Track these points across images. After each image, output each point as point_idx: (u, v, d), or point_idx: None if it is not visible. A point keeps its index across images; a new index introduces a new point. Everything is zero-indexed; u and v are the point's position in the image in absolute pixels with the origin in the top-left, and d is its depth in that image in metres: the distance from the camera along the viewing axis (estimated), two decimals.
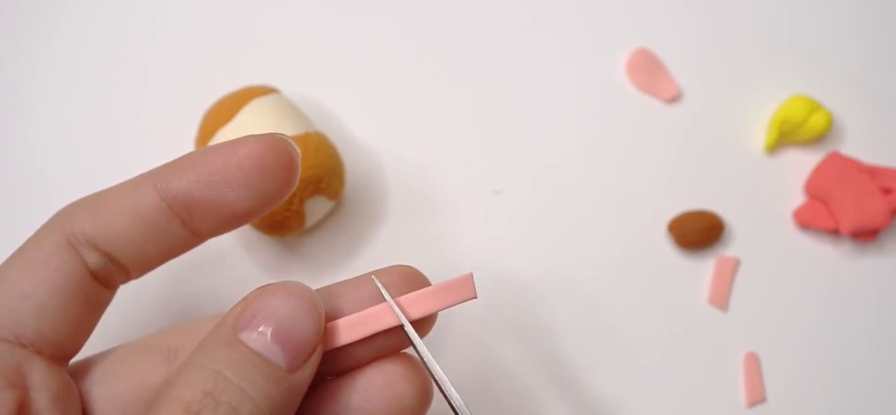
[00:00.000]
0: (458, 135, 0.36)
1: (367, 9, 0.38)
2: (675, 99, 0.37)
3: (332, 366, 0.22)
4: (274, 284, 0.20)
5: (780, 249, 0.35)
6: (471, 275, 0.22)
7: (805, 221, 0.35)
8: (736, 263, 0.35)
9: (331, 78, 0.37)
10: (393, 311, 0.21)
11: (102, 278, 0.22)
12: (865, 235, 0.35)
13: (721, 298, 0.34)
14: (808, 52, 0.38)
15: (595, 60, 0.38)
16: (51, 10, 0.38)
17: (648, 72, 0.37)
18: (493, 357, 0.33)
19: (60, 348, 0.21)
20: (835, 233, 0.35)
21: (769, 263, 0.35)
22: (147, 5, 0.38)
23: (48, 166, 0.35)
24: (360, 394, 0.22)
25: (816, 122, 0.35)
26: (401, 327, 0.21)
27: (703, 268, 0.35)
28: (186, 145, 0.33)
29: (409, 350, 0.22)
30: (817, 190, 0.35)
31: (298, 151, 0.22)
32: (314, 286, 0.21)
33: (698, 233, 0.34)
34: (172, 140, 0.34)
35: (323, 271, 0.34)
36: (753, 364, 0.33)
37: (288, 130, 0.31)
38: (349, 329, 0.21)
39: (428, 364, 0.21)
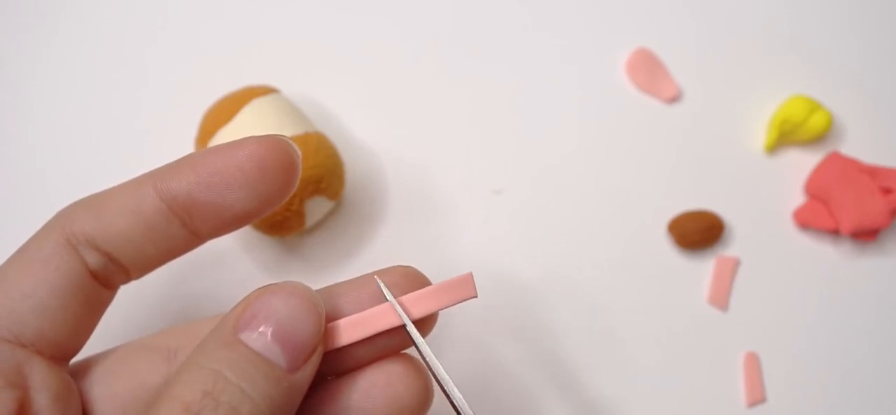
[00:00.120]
0: (458, 135, 0.36)
1: (367, 9, 0.38)
2: (675, 99, 0.37)
3: (332, 366, 0.22)
4: (274, 284, 0.20)
5: (780, 249, 0.35)
6: (471, 274, 0.22)
7: (805, 221, 0.35)
8: (736, 263, 0.35)
9: (331, 78, 0.37)
10: (394, 311, 0.21)
11: (103, 279, 0.22)
12: (865, 235, 0.35)
13: (721, 298, 0.34)
14: (808, 52, 0.38)
15: (595, 60, 0.38)
16: (51, 10, 0.38)
17: (648, 72, 0.37)
18: (493, 357, 0.33)
19: (61, 348, 0.21)
20: (835, 233, 0.35)
21: (769, 263, 0.35)
22: (147, 5, 0.38)
23: (48, 166, 0.35)
24: (360, 394, 0.22)
25: (816, 122, 0.35)
26: (402, 327, 0.21)
27: (703, 268, 0.35)
28: (186, 145, 0.33)
29: (411, 351, 0.22)
30: (817, 190, 0.35)
31: (299, 152, 0.22)
32: (314, 286, 0.21)
33: (698, 233, 0.34)
34: (172, 140, 0.34)
35: (323, 271, 0.34)
36: (753, 364, 0.33)
37: (288, 130, 0.31)
38: (350, 329, 0.21)
39: (430, 364, 0.21)
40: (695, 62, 0.38)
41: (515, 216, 0.35)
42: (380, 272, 0.22)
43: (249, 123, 0.31)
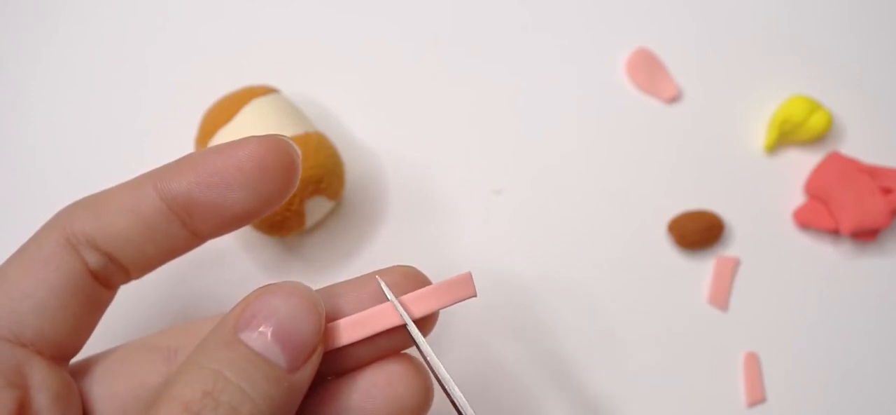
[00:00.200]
0: (458, 135, 0.36)
1: (367, 9, 0.38)
2: (675, 99, 0.37)
3: (332, 366, 0.22)
4: (274, 284, 0.20)
5: (780, 249, 0.35)
6: (469, 274, 0.22)
7: (805, 221, 0.35)
8: (736, 263, 0.35)
9: (331, 78, 0.37)
10: (394, 311, 0.21)
11: (103, 279, 0.22)
12: (865, 235, 0.35)
13: (721, 298, 0.34)
14: (808, 52, 0.38)
15: (595, 60, 0.38)
16: (51, 10, 0.38)
17: (648, 72, 0.37)
18: (493, 357, 0.33)
19: (61, 348, 0.21)
20: (835, 233, 0.35)
21: (769, 263, 0.35)
22: (147, 5, 0.38)
23: (48, 166, 0.35)
24: (360, 394, 0.22)
25: (816, 122, 0.35)
26: (402, 326, 0.21)
27: (703, 268, 0.35)
28: (186, 145, 0.33)
29: (411, 351, 0.22)
30: (817, 190, 0.35)
31: (299, 152, 0.22)
32: (314, 286, 0.21)
33: (698, 233, 0.34)
34: (172, 140, 0.34)
35: (323, 271, 0.34)
36: (753, 364, 0.33)
37: (288, 130, 0.31)
38: (350, 329, 0.21)
39: (431, 364, 0.21)
40: (695, 62, 0.38)
41: (515, 216, 0.35)
42: (380, 272, 0.22)
43: (249, 123, 0.31)
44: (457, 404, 0.21)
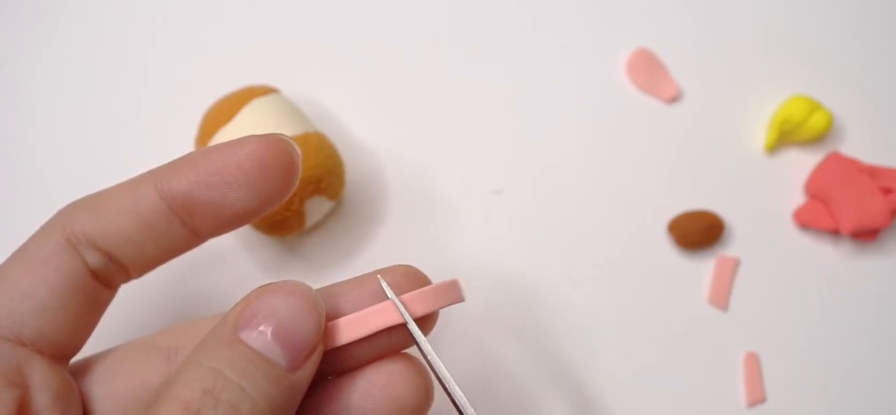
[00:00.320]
0: (458, 135, 0.36)
1: (367, 9, 0.38)
2: (675, 99, 0.37)
3: (332, 365, 0.22)
4: (274, 283, 0.20)
5: (780, 249, 0.35)
6: (457, 281, 0.22)
7: (805, 221, 0.35)
8: (736, 263, 0.35)
9: (331, 78, 0.37)
10: (394, 309, 0.21)
11: (103, 278, 0.22)
12: (865, 235, 0.35)
13: (721, 298, 0.34)
14: (808, 52, 0.38)
15: (595, 60, 0.38)
16: (51, 10, 0.38)
17: (648, 72, 0.37)
18: (493, 357, 0.33)
19: (61, 348, 0.21)
20: (835, 233, 0.35)
21: (769, 263, 0.35)
22: (147, 5, 0.38)
23: (48, 166, 0.35)
24: (360, 394, 0.22)
25: (816, 122, 0.35)
26: (402, 325, 0.21)
27: (703, 268, 0.35)
28: (186, 145, 0.33)
29: (410, 350, 0.22)
30: (817, 190, 0.35)
31: (299, 151, 0.22)
32: (314, 286, 0.21)
33: (698, 233, 0.34)
34: (172, 140, 0.34)
35: (323, 271, 0.34)
36: (753, 364, 0.33)
37: (288, 130, 0.31)
38: (350, 328, 0.21)
39: (431, 362, 0.21)
40: (695, 62, 0.38)
41: (515, 216, 0.35)
42: (381, 272, 0.22)
43: (249, 123, 0.31)
44: (457, 402, 0.21)
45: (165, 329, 0.24)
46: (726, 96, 0.37)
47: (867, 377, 0.34)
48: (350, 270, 0.34)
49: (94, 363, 0.23)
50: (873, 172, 0.35)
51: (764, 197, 0.36)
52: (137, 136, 0.35)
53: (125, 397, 0.22)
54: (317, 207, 0.32)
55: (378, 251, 0.34)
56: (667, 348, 0.34)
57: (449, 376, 0.21)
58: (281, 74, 0.35)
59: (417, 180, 0.35)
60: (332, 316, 0.21)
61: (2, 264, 0.21)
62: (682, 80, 0.37)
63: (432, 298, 0.22)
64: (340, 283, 0.23)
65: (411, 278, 0.22)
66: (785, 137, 0.36)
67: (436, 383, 0.22)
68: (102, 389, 0.22)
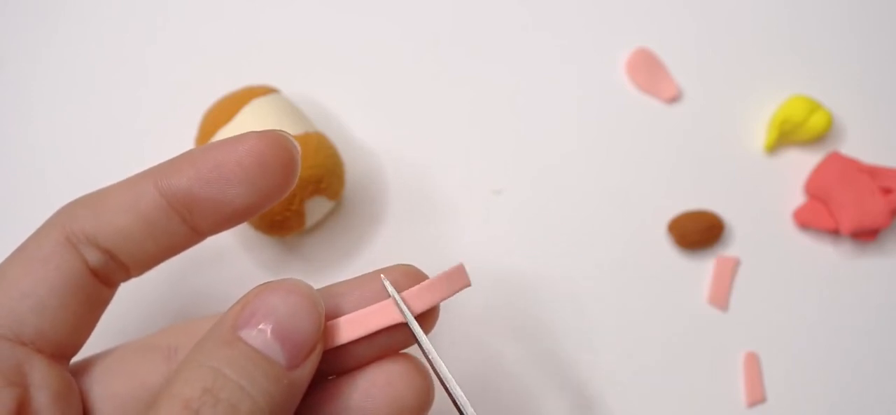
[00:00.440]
0: (458, 135, 0.36)
1: (367, 9, 0.38)
2: (675, 99, 0.37)
3: (332, 365, 0.22)
4: (274, 281, 0.20)
5: (780, 249, 0.35)
6: (462, 265, 0.22)
7: (805, 221, 0.35)
8: (736, 263, 0.35)
9: (331, 78, 0.37)
10: (394, 308, 0.21)
11: (103, 277, 0.22)
12: (865, 235, 0.35)
13: (721, 298, 0.34)
14: (808, 52, 0.38)
15: (595, 60, 0.38)
16: (51, 10, 0.38)
17: (648, 72, 0.37)
18: (493, 357, 0.33)
19: (61, 347, 0.21)
20: (835, 233, 0.35)
21: (769, 263, 0.35)
22: (147, 5, 0.38)
23: (48, 166, 0.35)
24: (360, 393, 0.22)
25: (816, 122, 0.35)
26: (402, 324, 0.21)
27: (703, 268, 0.35)
28: (186, 145, 0.32)
29: (410, 350, 0.22)
30: (817, 190, 0.35)
31: (298, 147, 0.22)
32: (315, 286, 0.21)
33: (698, 233, 0.34)
34: (172, 140, 0.33)
35: (323, 271, 0.34)
36: (753, 364, 0.33)
37: (288, 130, 0.31)
38: (350, 327, 0.21)
39: (433, 361, 0.21)
40: (695, 62, 0.38)
41: (515, 216, 0.35)
42: (377, 271, 0.22)
43: (249, 123, 0.31)
44: (457, 402, 0.21)
45: (165, 328, 0.24)
46: (726, 96, 0.37)
47: (867, 377, 0.34)
48: (350, 270, 0.34)
49: (94, 363, 0.23)
50: (873, 172, 0.35)
51: (764, 197, 0.36)
52: (137, 136, 0.35)
53: (125, 397, 0.22)
54: (317, 207, 0.32)
55: (378, 251, 0.34)
56: (667, 348, 0.34)
57: (449, 375, 0.21)
58: (281, 74, 0.35)
59: (417, 180, 0.35)
60: (332, 316, 0.21)
61: (1, 263, 0.21)
62: (682, 80, 0.38)
63: (431, 293, 0.22)
64: (341, 283, 0.23)
65: (411, 277, 0.22)
66: (785, 137, 0.36)
67: (436, 382, 0.22)
68: (102, 389, 0.22)
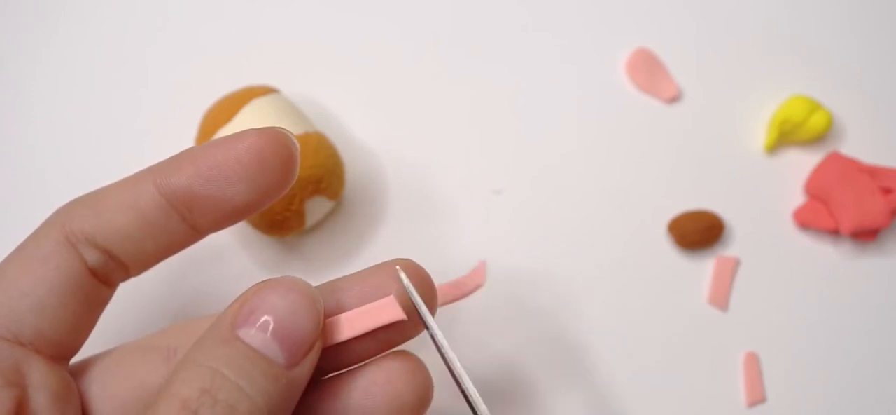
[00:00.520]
0: (458, 135, 0.36)
1: (367, 9, 0.38)
2: (675, 99, 0.37)
3: (331, 362, 0.22)
4: (272, 279, 0.20)
5: (780, 249, 0.35)
6: (483, 264, 0.22)
7: (805, 221, 0.35)
8: (736, 263, 0.35)
9: (331, 78, 0.37)
10: (395, 305, 0.21)
11: (102, 276, 0.22)
12: (865, 235, 0.35)
13: (721, 298, 0.34)
14: (808, 52, 0.38)
15: (595, 60, 0.38)
16: (51, 10, 0.38)
17: (648, 72, 0.37)
18: (493, 357, 0.33)
19: (60, 347, 0.21)
20: (835, 233, 0.35)
21: (769, 263, 0.35)
22: (147, 5, 0.38)
23: (48, 166, 0.35)
24: (360, 391, 0.22)
25: (816, 122, 0.35)
26: (403, 321, 0.21)
27: (703, 268, 0.35)
28: (186, 145, 0.32)
29: (408, 347, 0.22)
30: (817, 190, 0.35)
31: (297, 144, 0.22)
32: (314, 285, 0.21)
33: (698, 233, 0.34)
34: (172, 140, 0.33)
35: (323, 271, 0.34)
36: (753, 364, 0.33)
37: (288, 129, 0.31)
38: (351, 324, 0.21)
39: (446, 356, 0.21)
40: (695, 62, 0.38)
41: (515, 216, 0.35)
42: (379, 266, 0.22)
43: (249, 124, 0.31)
44: (470, 399, 0.21)
45: (164, 329, 0.24)
46: (726, 96, 0.37)
47: (867, 377, 0.34)
48: (350, 269, 0.33)
49: (93, 364, 0.23)
50: (873, 172, 0.35)
51: (764, 197, 0.36)
52: (137, 136, 0.35)
53: (124, 398, 0.22)
54: (317, 207, 0.32)
55: (378, 251, 0.34)
56: (667, 348, 0.34)
57: (463, 371, 0.21)
58: (281, 74, 0.35)
59: (417, 180, 0.35)
60: (334, 312, 0.21)
61: (1, 263, 0.21)
62: (682, 80, 0.37)
63: (448, 293, 0.22)
64: (342, 278, 0.23)
65: (409, 272, 0.22)
66: (785, 137, 0.36)
67: (446, 378, 0.22)
68: (101, 389, 0.22)
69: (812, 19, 0.39)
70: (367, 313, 0.21)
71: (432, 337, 0.22)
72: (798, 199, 0.36)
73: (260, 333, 0.19)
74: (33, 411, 0.20)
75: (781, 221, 0.36)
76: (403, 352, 0.22)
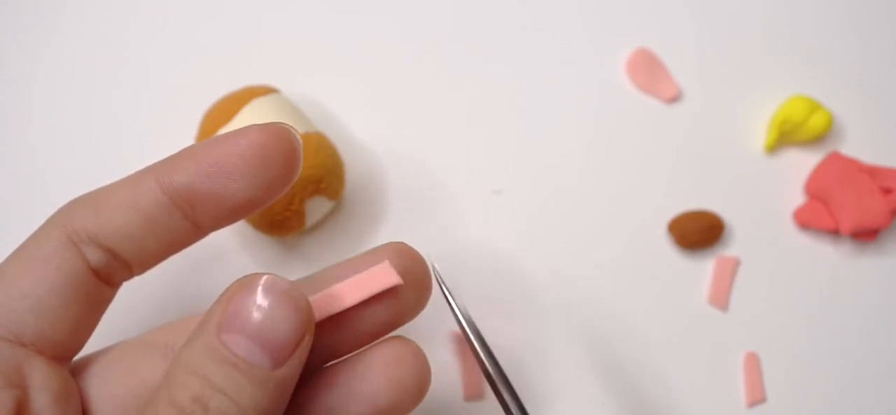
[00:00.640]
0: (458, 135, 0.36)
1: (367, 9, 0.38)
2: (675, 99, 0.37)
3: (331, 350, 0.22)
4: (253, 278, 0.19)
5: (780, 249, 0.35)
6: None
7: (805, 221, 0.35)
8: (736, 263, 0.35)
9: (331, 78, 0.37)
10: (390, 271, 0.21)
11: (104, 276, 0.22)
12: (865, 235, 0.35)
13: (721, 298, 0.34)
14: (808, 52, 0.38)
15: (595, 60, 0.38)
16: (51, 10, 0.38)
17: (648, 72, 0.37)
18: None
19: (61, 347, 0.21)
20: (835, 233, 0.35)
21: (769, 263, 0.35)
22: (147, 5, 0.38)
23: (48, 166, 0.35)
24: (358, 378, 0.22)
25: (816, 122, 0.35)
26: (401, 296, 0.22)
27: (703, 268, 0.35)
28: (186, 145, 0.33)
29: (400, 332, 0.23)
30: (817, 190, 0.35)
31: (300, 140, 0.22)
32: (308, 274, 0.21)
33: (698, 233, 0.34)
34: (172, 140, 0.33)
35: None
36: (753, 364, 0.33)
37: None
38: (350, 292, 0.21)
39: (465, 328, 0.22)
40: (695, 62, 0.38)
41: (515, 216, 0.35)
42: (374, 251, 0.22)
43: (249, 123, 0.31)
44: (492, 375, 0.22)
45: (163, 326, 0.24)
46: (726, 96, 0.37)
47: (867, 377, 0.34)
48: None
49: (92, 362, 0.23)
50: (873, 172, 0.35)
51: (764, 197, 0.36)
52: (137, 136, 0.35)
53: (124, 396, 0.22)
54: (317, 207, 0.32)
55: None
56: (667, 348, 0.34)
57: (479, 347, 0.22)
58: (281, 74, 0.35)
59: (417, 180, 0.35)
60: (328, 301, 0.21)
61: (2, 263, 0.21)
62: (682, 80, 0.37)
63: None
64: (338, 264, 0.23)
65: (403, 255, 0.22)
66: (785, 137, 0.36)
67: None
68: (101, 388, 0.22)
69: (812, 19, 0.39)
70: (364, 281, 0.21)
71: (451, 307, 0.22)
72: (798, 199, 0.36)
73: (242, 338, 0.19)
74: (34, 412, 0.20)
75: (781, 221, 0.36)
76: (401, 337, 0.22)
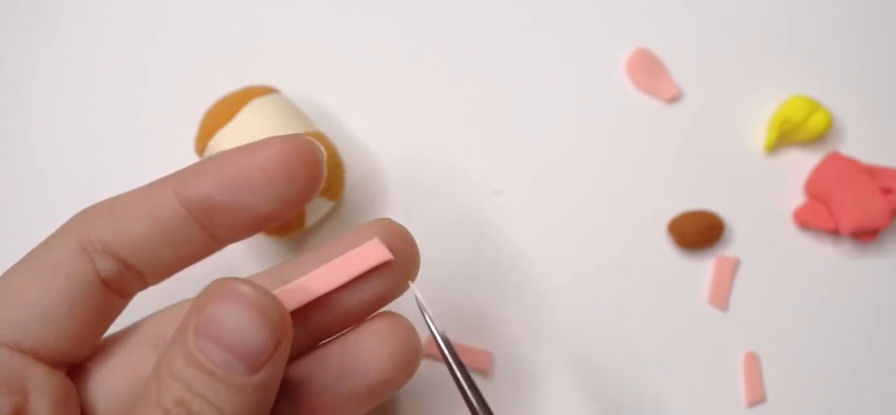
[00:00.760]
0: (458, 135, 0.36)
1: (367, 9, 0.38)
2: (675, 99, 0.37)
3: (322, 330, 0.22)
4: (224, 284, 0.19)
5: (780, 249, 0.35)
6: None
7: (805, 221, 0.35)
8: (736, 263, 0.35)
9: (331, 78, 0.37)
10: (381, 247, 0.21)
11: (116, 287, 0.21)
12: (865, 235, 0.35)
13: (721, 298, 0.34)
14: (808, 52, 0.38)
15: (595, 60, 0.38)
16: (51, 10, 0.38)
17: (648, 72, 0.37)
18: (492, 357, 0.33)
19: (63, 356, 0.21)
20: (835, 233, 0.35)
21: (769, 263, 0.35)
22: (147, 5, 0.38)
23: (48, 166, 0.35)
24: (349, 355, 0.22)
25: (816, 122, 0.35)
26: (390, 271, 0.22)
27: (703, 268, 0.35)
28: (186, 145, 0.33)
29: (390, 307, 0.23)
30: (817, 190, 0.35)
31: (324, 152, 0.21)
32: (296, 257, 0.21)
33: (698, 233, 0.34)
34: (172, 140, 0.34)
35: None
36: (753, 364, 0.33)
37: (288, 130, 0.31)
38: (340, 270, 0.21)
39: (451, 363, 0.22)
40: (695, 62, 0.38)
41: (515, 216, 0.35)
42: (360, 228, 0.22)
43: (249, 123, 0.31)
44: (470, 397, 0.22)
45: (155, 315, 0.24)
46: (726, 96, 0.37)
47: (867, 377, 0.34)
48: None
49: (89, 359, 0.23)
50: (873, 172, 0.35)
51: (764, 197, 0.36)
52: (137, 136, 0.35)
53: (120, 391, 0.22)
54: (317, 207, 0.32)
55: None
56: (667, 348, 0.34)
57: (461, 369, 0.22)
58: (281, 74, 0.35)
59: (417, 180, 0.35)
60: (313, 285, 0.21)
61: (11, 269, 0.21)
62: (682, 80, 0.37)
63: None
64: (326, 244, 0.23)
65: (390, 231, 0.22)
66: (785, 137, 0.36)
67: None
68: (97, 385, 0.22)
69: (812, 19, 0.39)
70: (354, 258, 0.21)
71: (438, 346, 0.22)
72: (798, 199, 0.36)
73: (216, 347, 0.19)
74: None
75: (781, 221, 0.36)
76: (391, 313, 0.22)
